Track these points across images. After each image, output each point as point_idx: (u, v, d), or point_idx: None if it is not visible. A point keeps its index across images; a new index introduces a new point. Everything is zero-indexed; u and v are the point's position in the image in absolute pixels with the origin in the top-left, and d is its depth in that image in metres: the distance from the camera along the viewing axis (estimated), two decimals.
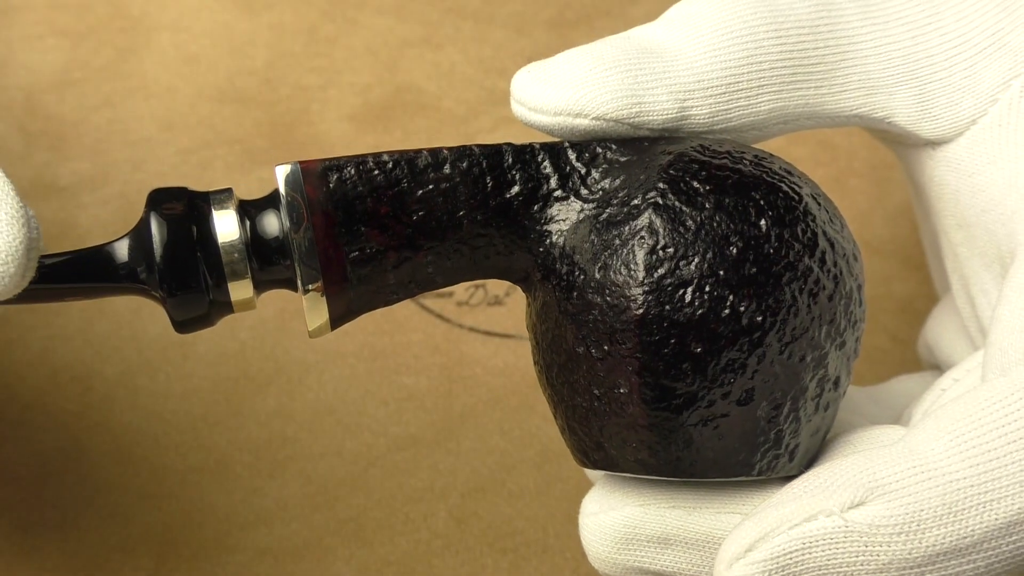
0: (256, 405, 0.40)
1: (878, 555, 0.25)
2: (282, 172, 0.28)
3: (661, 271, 0.27)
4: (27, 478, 0.38)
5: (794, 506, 0.26)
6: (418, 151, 0.29)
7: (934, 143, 0.31)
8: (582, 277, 0.28)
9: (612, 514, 0.29)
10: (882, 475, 0.26)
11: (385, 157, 0.29)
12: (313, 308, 0.29)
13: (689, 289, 0.27)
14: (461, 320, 0.42)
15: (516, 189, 0.29)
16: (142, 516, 0.38)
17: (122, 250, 0.28)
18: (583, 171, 0.29)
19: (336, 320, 0.29)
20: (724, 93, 0.30)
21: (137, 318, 0.42)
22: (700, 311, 0.27)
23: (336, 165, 0.29)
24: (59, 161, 0.46)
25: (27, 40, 0.49)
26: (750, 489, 0.29)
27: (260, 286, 0.29)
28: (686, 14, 0.30)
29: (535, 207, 0.29)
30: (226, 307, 0.29)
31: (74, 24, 0.49)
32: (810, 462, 0.29)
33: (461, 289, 0.43)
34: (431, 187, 0.28)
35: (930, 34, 0.31)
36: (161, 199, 0.28)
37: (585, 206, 0.29)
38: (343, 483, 0.39)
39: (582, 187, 0.29)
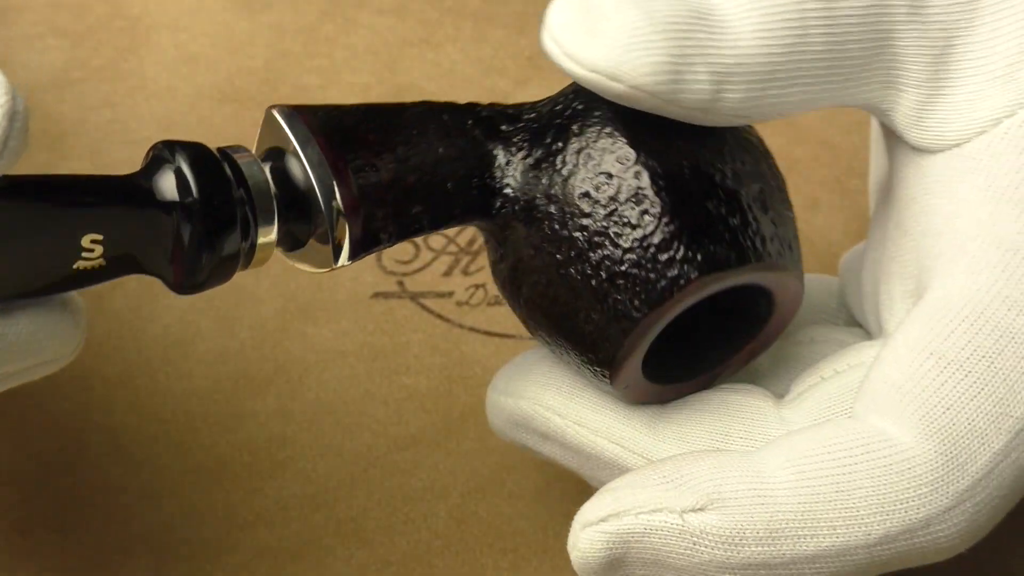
0: (256, 405, 0.40)
1: (701, 554, 0.28)
2: (279, 110, 0.29)
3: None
4: (27, 478, 0.38)
5: (647, 496, 0.28)
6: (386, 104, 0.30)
7: (918, 149, 0.31)
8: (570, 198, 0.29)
9: (508, 400, 0.32)
10: (725, 488, 0.28)
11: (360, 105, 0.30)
12: (338, 228, 0.29)
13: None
14: (461, 320, 0.42)
15: (480, 127, 0.30)
16: (142, 516, 0.38)
17: (148, 181, 0.28)
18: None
19: (356, 244, 0.29)
20: (760, 82, 0.29)
21: (137, 318, 0.42)
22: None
23: (322, 106, 0.30)
24: (59, 161, 0.46)
25: (27, 40, 0.49)
26: (622, 421, 0.32)
27: (280, 233, 0.29)
28: None
29: (499, 138, 0.30)
30: (247, 255, 0.29)
31: (74, 24, 0.49)
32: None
33: (461, 289, 0.43)
34: (409, 124, 0.30)
35: (959, 45, 0.30)
36: (172, 145, 0.28)
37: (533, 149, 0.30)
38: (343, 483, 0.39)
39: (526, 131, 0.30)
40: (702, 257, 0.29)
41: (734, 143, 0.30)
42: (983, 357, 0.29)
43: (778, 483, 0.28)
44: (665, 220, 0.29)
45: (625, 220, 0.29)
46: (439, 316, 0.42)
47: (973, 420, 0.28)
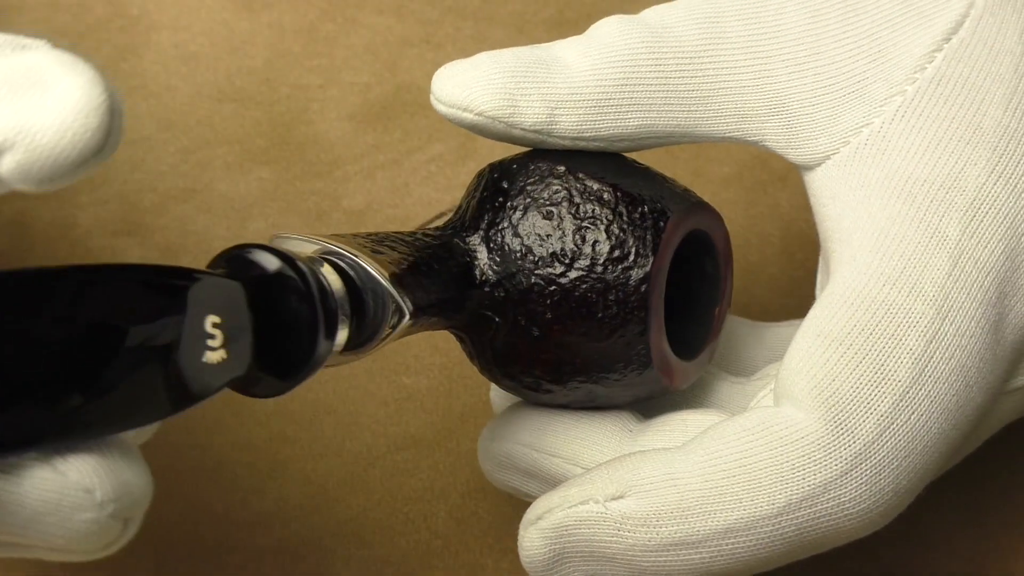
0: (256, 405, 0.40)
1: (626, 539, 0.31)
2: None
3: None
4: None
5: (575, 490, 0.31)
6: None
7: (799, 167, 0.34)
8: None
9: (495, 444, 0.35)
10: (641, 476, 0.31)
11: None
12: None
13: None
14: None
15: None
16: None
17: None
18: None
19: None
20: (594, 106, 0.33)
21: None
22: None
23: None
24: None
25: None
26: (592, 447, 0.34)
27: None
28: (591, 34, 0.34)
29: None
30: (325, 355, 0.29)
31: (73, 24, 0.49)
32: None
33: None
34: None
35: (806, 73, 0.34)
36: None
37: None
38: (343, 483, 0.39)
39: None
40: (661, 207, 0.33)
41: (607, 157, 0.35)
42: (862, 330, 0.31)
43: (687, 466, 0.31)
44: (619, 199, 0.33)
45: (589, 216, 0.33)
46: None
47: (855, 388, 0.31)
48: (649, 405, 0.35)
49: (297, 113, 0.46)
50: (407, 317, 0.30)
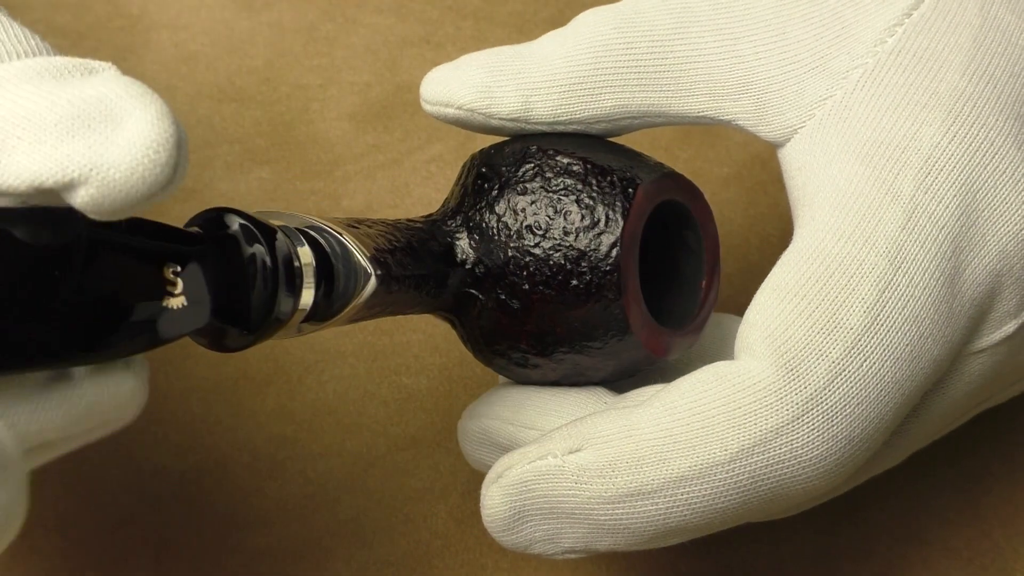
0: (256, 405, 0.40)
1: (583, 491, 0.31)
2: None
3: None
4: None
5: (535, 447, 0.32)
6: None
7: (773, 144, 0.35)
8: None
9: (472, 421, 0.35)
10: (599, 430, 0.32)
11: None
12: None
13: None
14: None
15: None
16: (142, 516, 0.38)
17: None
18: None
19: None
20: (567, 91, 0.35)
21: None
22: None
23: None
24: None
25: None
26: (567, 419, 0.34)
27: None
28: (568, 26, 0.36)
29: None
30: (289, 316, 0.30)
31: (73, 23, 0.49)
32: None
33: None
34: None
35: (772, 52, 0.35)
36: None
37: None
38: (343, 483, 0.39)
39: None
40: (631, 175, 0.34)
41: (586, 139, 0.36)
42: (816, 282, 0.32)
43: (643, 418, 0.31)
44: (591, 170, 0.34)
45: (560, 189, 0.34)
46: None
47: (808, 335, 0.31)
48: (637, 385, 0.35)
49: (297, 113, 0.46)
50: (372, 279, 0.31)
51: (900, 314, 0.31)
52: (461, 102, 0.35)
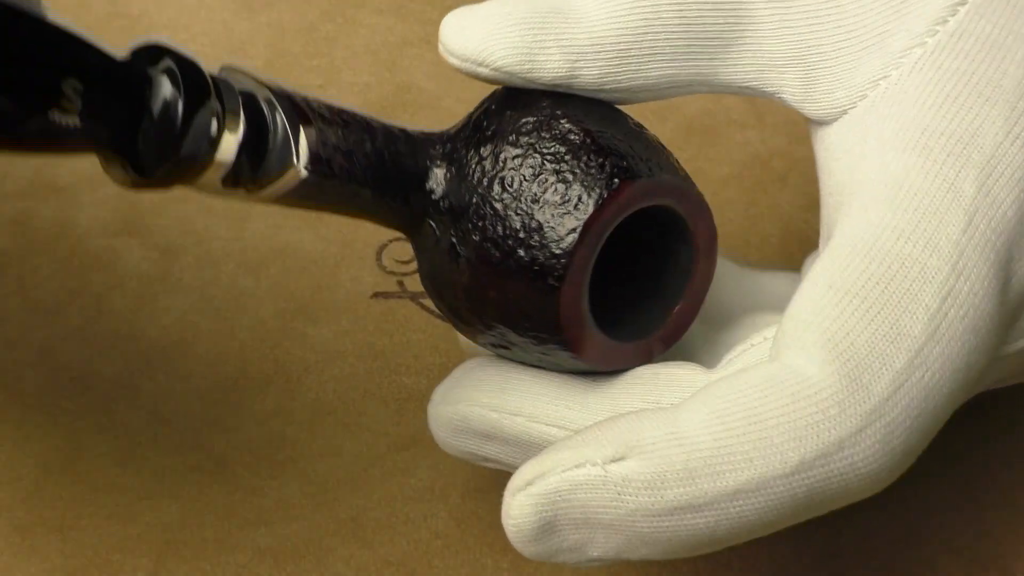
0: (256, 405, 0.40)
1: (627, 503, 0.29)
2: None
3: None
4: (27, 478, 0.38)
5: (569, 453, 0.29)
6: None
7: (816, 122, 0.34)
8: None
9: (447, 408, 0.34)
10: (643, 436, 0.29)
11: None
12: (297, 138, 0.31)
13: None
14: None
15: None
16: (142, 516, 0.38)
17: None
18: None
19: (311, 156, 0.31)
20: (615, 57, 0.33)
21: (137, 318, 0.42)
22: None
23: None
24: (59, 161, 0.46)
25: None
26: (554, 403, 0.33)
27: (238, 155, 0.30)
28: None
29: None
30: (203, 159, 0.29)
31: (73, 23, 0.49)
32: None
33: None
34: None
35: (826, 23, 0.33)
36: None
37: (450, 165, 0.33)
38: (343, 483, 0.39)
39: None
40: (628, 165, 0.32)
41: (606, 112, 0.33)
42: (877, 283, 0.30)
43: (693, 424, 0.29)
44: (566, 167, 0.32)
45: (549, 152, 0.32)
46: (439, 316, 0.42)
47: (872, 342, 0.30)
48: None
49: None
50: (302, 171, 0.30)
51: (960, 324, 0.30)
52: (499, 64, 0.32)
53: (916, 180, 0.31)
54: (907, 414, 0.30)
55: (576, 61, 0.32)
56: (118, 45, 0.47)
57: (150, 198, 0.45)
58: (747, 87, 0.34)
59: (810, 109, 0.34)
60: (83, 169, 0.45)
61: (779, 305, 0.36)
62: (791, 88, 0.34)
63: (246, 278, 0.43)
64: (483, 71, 0.33)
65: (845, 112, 0.33)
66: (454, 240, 0.32)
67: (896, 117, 0.32)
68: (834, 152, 0.33)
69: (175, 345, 0.41)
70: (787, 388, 0.29)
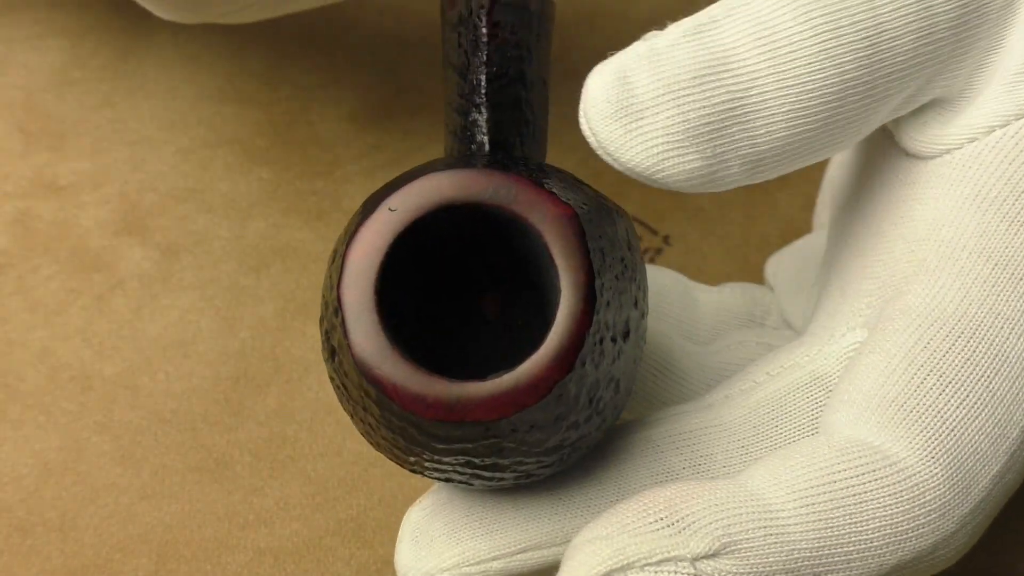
0: (256, 405, 0.40)
1: None
2: None
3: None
4: (27, 478, 0.38)
5: (651, 544, 0.26)
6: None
7: (906, 153, 0.31)
8: None
9: (433, 568, 0.29)
10: (735, 529, 0.26)
11: None
12: None
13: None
14: None
15: None
16: (142, 516, 0.38)
17: None
18: None
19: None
20: (791, 157, 0.28)
21: (137, 318, 0.42)
22: None
23: None
24: (59, 161, 0.46)
25: (27, 39, 0.49)
26: (557, 517, 0.29)
27: None
28: (774, 39, 0.28)
29: None
30: None
31: (74, 23, 0.49)
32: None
33: None
34: None
35: (991, 56, 0.30)
36: None
37: None
38: (343, 483, 0.39)
39: None
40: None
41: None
42: (981, 376, 0.28)
43: (789, 519, 0.27)
44: None
45: None
46: None
47: (976, 442, 0.28)
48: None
49: (297, 114, 0.46)
50: None
51: None
52: (676, 183, 0.28)
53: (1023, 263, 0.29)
54: (992, 511, 0.29)
55: (755, 168, 0.28)
56: (119, 46, 0.46)
57: (150, 198, 0.45)
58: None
59: (911, 139, 0.30)
60: (83, 169, 0.45)
61: (743, 320, 0.35)
62: (912, 114, 0.30)
63: (246, 277, 0.43)
64: (654, 184, 0.28)
65: (947, 152, 0.30)
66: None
67: (1006, 178, 0.29)
68: (918, 193, 0.30)
69: (175, 345, 0.41)
70: (889, 483, 0.27)
